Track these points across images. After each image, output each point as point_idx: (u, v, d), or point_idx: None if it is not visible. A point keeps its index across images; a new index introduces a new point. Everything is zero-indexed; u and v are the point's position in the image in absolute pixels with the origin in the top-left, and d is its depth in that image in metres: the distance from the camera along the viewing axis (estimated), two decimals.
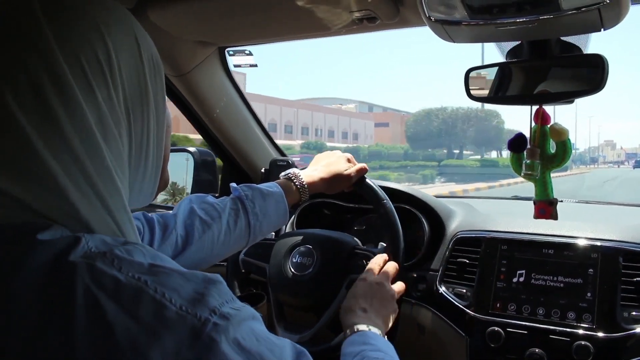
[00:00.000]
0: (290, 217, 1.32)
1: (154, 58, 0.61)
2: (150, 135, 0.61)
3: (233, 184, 1.12)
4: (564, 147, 0.99)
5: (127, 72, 0.56)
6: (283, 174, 1.19)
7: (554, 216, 1.01)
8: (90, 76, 0.51)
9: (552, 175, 1.03)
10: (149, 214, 1.00)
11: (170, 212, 1.03)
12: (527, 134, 1.04)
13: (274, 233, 1.47)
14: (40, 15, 0.50)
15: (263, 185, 1.12)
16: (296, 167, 1.35)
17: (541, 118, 0.99)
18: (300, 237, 1.29)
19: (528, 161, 0.99)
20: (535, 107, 1.01)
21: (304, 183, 1.16)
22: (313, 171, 1.19)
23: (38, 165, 0.47)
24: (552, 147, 1.02)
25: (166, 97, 0.65)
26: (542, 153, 0.99)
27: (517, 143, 1.03)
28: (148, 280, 0.45)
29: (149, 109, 0.60)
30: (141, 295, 0.44)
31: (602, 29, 0.87)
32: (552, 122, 1.01)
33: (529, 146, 1.01)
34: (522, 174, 1.01)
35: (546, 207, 1.02)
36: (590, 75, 0.93)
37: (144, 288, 0.45)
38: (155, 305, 0.44)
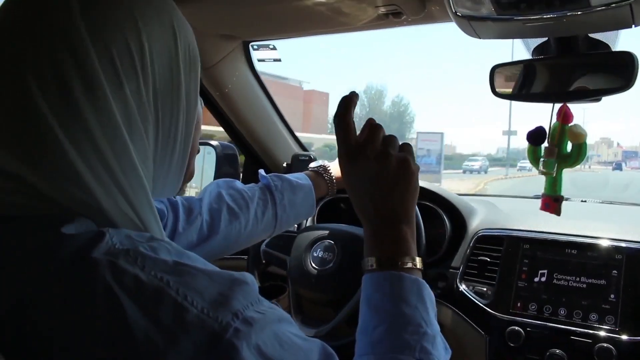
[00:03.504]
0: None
1: (190, 50, 0.59)
2: (179, 131, 0.59)
3: (261, 171, 1.11)
4: (580, 150, 0.98)
5: (160, 65, 0.54)
6: (313, 165, 1.18)
7: (557, 212, 1.01)
8: (120, 69, 0.50)
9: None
10: (173, 197, 0.98)
11: (196, 196, 1.02)
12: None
13: (296, 226, 1.48)
14: (74, 3, 0.49)
15: (292, 176, 1.11)
16: (316, 160, 1.35)
17: (563, 116, 0.97)
18: (322, 232, 1.29)
19: (545, 159, 0.98)
20: (557, 105, 1.00)
21: (333, 178, 1.15)
22: None
23: (60, 158, 0.46)
24: (568, 146, 1.01)
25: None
26: (558, 151, 0.98)
27: (535, 135, 1.02)
28: (170, 281, 0.44)
29: (180, 104, 0.58)
30: (162, 296, 0.43)
31: (633, 26, 0.85)
32: (572, 123, 0.99)
33: (547, 143, 1.00)
34: (539, 171, 1.00)
35: (551, 203, 1.01)
36: (619, 72, 0.92)
37: (165, 289, 0.43)
38: (175, 308, 0.42)
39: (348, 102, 0.76)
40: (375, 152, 0.73)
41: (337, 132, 0.75)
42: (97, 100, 0.48)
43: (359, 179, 0.74)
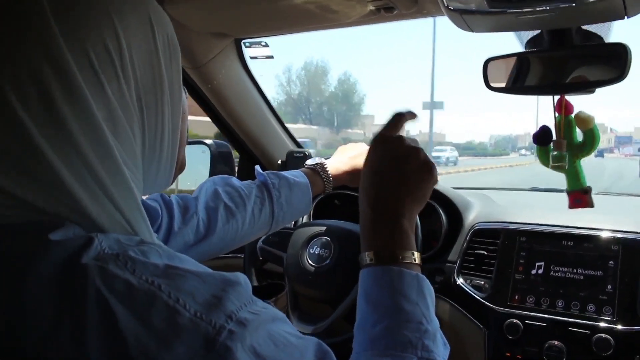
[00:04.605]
0: None
1: (169, 41, 0.58)
2: (165, 125, 0.58)
3: (258, 168, 1.10)
4: (592, 135, 0.97)
5: (139, 61, 0.53)
6: (309, 162, 1.17)
7: (590, 204, 1.00)
8: (99, 69, 0.48)
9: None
10: (168, 196, 0.97)
11: (191, 195, 1.01)
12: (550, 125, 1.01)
13: (292, 222, 1.48)
14: (46, 4, 0.47)
15: (289, 174, 1.10)
16: (311, 157, 1.34)
17: (564, 108, 0.97)
18: (319, 228, 1.29)
19: (555, 153, 0.97)
20: (556, 98, 0.99)
21: (329, 176, 1.14)
22: (338, 163, 1.17)
23: (42, 165, 0.45)
24: (579, 136, 1.00)
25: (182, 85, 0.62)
26: (569, 143, 0.98)
27: (542, 136, 1.01)
28: (162, 284, 0.43)
29: (164, 98, 0.57)
30: (154, 300, 0.42)
31: (626, 17, 0.85)
32: (575, 111, 0.99)
33: (554, 138, 0.99)
34: (550, 166, 0.99)
35: (581, 196, 1.00)
36: (613, 64, 0.91)
37: (157, 293, 0.42)
38: (168, 312, 0.42)
39: (409, 113, 0.84)
40: (408, 143, 0.77)
41: (388, 122, 0.82)
42: (77, 103, 0.47)
43: (384, 156, 0.76)
